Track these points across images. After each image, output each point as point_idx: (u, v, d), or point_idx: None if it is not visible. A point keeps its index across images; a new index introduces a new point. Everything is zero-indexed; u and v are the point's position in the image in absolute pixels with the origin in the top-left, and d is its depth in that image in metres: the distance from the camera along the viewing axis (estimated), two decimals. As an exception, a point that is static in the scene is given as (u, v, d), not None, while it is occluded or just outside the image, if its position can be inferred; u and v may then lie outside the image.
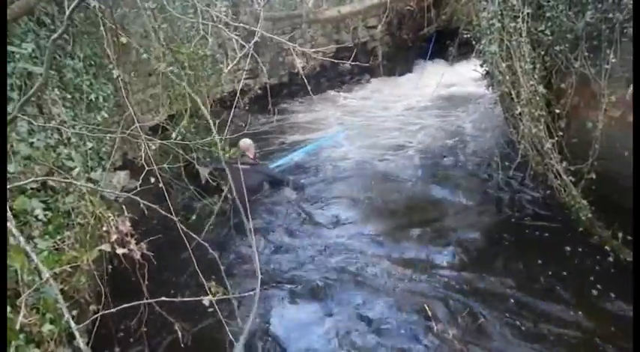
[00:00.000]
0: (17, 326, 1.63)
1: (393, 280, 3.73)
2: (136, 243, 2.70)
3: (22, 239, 1.45)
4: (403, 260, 3.99)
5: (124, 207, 2.93)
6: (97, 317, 1.85)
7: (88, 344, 2.16)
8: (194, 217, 4.41)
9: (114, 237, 2.61)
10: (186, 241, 2.25)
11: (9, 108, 2.47)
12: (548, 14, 3.72)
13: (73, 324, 1.32)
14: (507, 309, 3.30)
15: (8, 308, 1.72)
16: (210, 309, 3.33)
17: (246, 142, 5.84)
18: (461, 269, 3.79)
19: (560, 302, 3.31)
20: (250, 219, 2.54)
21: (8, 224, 1.49)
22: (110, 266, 3.21)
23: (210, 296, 2.26)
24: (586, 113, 3.79)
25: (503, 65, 3.99)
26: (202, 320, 3.27)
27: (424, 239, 4.26)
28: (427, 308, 3.30)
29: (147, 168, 2.60)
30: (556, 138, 3.72)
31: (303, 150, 6.70)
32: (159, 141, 3.08)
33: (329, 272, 3.91)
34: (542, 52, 3.85)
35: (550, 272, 3.59)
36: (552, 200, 4.06)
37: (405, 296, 3.55)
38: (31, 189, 2.36)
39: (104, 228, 2.71)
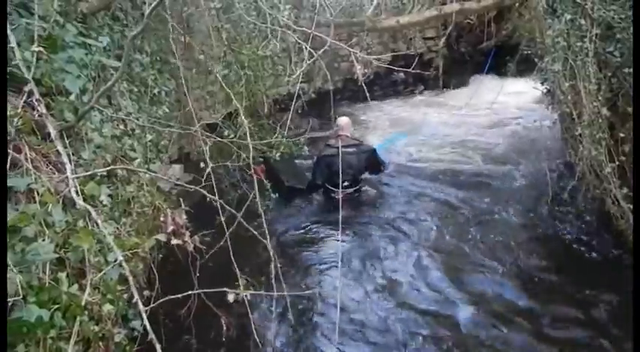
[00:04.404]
0: (82, 303, 1.73)
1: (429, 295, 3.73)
2: (190, 236, 2.80)
3: (99, 221, 1.55)
4: (442, 277, 3.96)
5: (180, 199, 3.04)
6: (151, 302, 1.94)
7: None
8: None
9: (170, 227, 2.71)
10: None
11: (85, 98, 2.62)
12: (618, 36, 3.60)
13: (141, 306, 1.40)
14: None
15: (74, 286, 1.83)
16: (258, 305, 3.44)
17: (344, 120, 5.69)
18: (499, 292, 3.73)
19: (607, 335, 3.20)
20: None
21: (87, 206, 1.59)
22: (160, 256, 3.34)
23: (238, 292, 2.33)
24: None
25: (566, 84, 3.89)
26: (249, 315, 3.38)
27: (468, 257, 4.20)
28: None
29: (211, 165, 2.69)
30: (617, 163, 3.60)
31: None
32: (218, 139, 3.18)
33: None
34: (609, 74, 3.73)
35: (597, 302, 3.47)
36: (608, 226, 3.91)
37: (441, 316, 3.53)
38: (100, 176, 2.49)
39: (161, 219, 2.82)
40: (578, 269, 3.90)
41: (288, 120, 3.69)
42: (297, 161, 6.12)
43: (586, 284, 3.66)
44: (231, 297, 2.32)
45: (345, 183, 5.20)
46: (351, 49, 3.18)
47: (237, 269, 2.45)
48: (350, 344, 3.32)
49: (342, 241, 4.47)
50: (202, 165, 2.93)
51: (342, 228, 4.35)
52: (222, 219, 2.71)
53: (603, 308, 3.43)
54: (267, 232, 2.63)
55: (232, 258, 2.57)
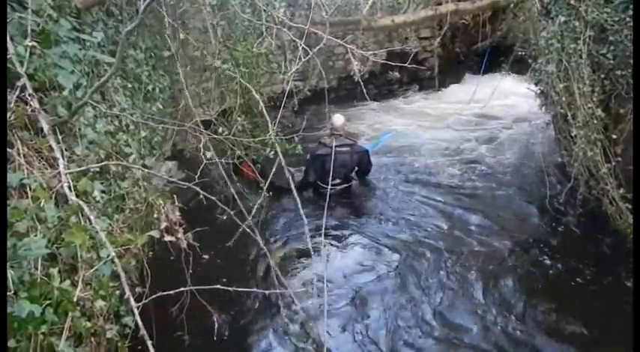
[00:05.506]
0: (75, 299, 1.72)
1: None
2: (183, 232, 2.80)
3: (92, 217, 1.54)
4: (436, 281, 3.97)
5: (174, 196, 3.03)
6: (143, 299, 1.93)
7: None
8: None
9: (163, 224, 2.71)
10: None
11: (78, 94, 2.60)
12: (611, 38, 3.63)
13: (133, 302, 1.40)
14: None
15: (66, 282, 1.82)
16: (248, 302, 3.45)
17: (340, 119, 5.51)
18: (495, 295, 3.73)
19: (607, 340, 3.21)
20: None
21: (80, 202, 1.59)
22: (151, 253, 3.33)
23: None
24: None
25: (560, 86, 3.92)
26: (240, 312, 3.41)
27: (460, 260, 4.19)
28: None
29: (204, 161, 2.69)
30: (613, 163, 3.63)
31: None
32: (214, 136, 3.18)
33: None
34: (603, 76, 3.76)
35: (597, 305, 3.48)
36: (605, 226, 3.93)
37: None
38: (93, 172, 2.48)
39: (155, 215, 2.81)
40: (576, 266, 3.90)
41: (279, 117, 3.68)
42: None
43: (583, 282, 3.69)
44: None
45: (337, 181, 5.23)
46: (348, 45, 3.18)
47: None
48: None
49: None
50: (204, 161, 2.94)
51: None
52: (224, 217, 2.73)
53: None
54: (257, 231, 2.64)
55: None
